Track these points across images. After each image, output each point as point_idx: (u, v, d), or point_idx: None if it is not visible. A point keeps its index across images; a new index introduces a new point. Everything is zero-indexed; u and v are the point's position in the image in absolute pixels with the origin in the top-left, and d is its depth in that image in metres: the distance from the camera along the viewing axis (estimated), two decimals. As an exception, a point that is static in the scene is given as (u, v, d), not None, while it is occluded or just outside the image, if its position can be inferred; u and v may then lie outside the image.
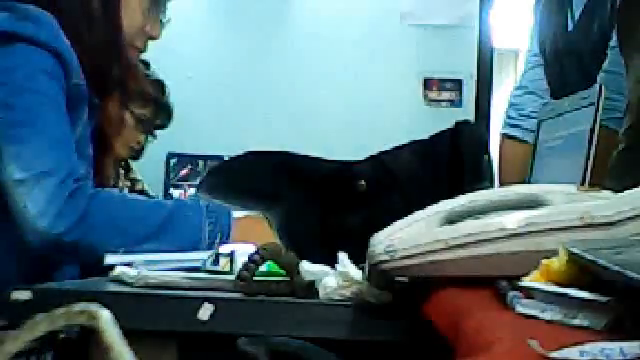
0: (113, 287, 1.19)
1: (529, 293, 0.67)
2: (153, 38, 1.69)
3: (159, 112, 2.95)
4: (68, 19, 1.53)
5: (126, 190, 2.91)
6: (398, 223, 0.93)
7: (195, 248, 1.46)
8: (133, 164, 3.11)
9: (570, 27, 2.38)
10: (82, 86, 1.52)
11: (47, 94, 1.45)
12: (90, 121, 1.57)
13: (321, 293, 1.05)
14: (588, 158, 1.02)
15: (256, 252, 1.09)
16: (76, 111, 1.51)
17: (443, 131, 1.29)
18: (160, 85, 2.96)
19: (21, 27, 1.47)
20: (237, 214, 1.54)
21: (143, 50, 1.70)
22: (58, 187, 1.40)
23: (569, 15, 2.41)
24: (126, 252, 1.37)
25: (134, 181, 3.06)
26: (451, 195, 0.95)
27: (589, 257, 0.61)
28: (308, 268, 1.08)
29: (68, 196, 1.39)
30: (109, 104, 1.64)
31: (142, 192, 3.02)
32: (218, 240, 1.49)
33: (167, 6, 1.72)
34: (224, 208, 1.49)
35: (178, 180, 4.07)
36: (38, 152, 1.41)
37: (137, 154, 2.99)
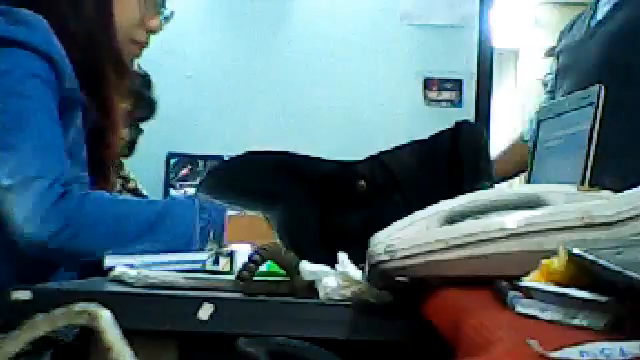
0: (113, 287, 1.19)
1: (529, 293, 0.67)
2: (154, 31, 1.68)
3: (139, 105, 2.91)
4: (57, 13, 1.52)
5: (119, 187, 2.89)
6: (398, 223, 0.93)
7: (187, 245, 1.46)
8: (126, 162, 3.09)
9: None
10: (75, 90, 1.51)
11: (38, 99, 1.45)
12: (84, 126, 1.56)
13: (321, 293, 1.05)
14: (588, 158, 1.02)
15: (256, 252, 1.10)
16: (69, 116, 1.50)
17: (443, 131, 1.29)
18: (144, 79, 2.94)
19: (14, 31, 1.47)
20: (231, 212, 1.54)
21: (146, 44, 1.69)
22: (45, 192, 1.39)
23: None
24: (120, 253, 1.37)
25: (126, 179, 3.04)
26: (451, 195, 0.95)
27: (589, 257, 0.61)
28: (308, 268, 1.08)
29: (55, 201, 1.39)
30: (112, 99, 1.63)
31: (135, 190, 3.00)
32: (211, 238, 1.49)
33: None
34: (218, 206, 1.49)
35: (178, 180, 4.07)
36: (26, 158, 1.41)
37: (128, 150, 2.96)
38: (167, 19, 1.71)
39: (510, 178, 2.79)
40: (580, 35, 2.52)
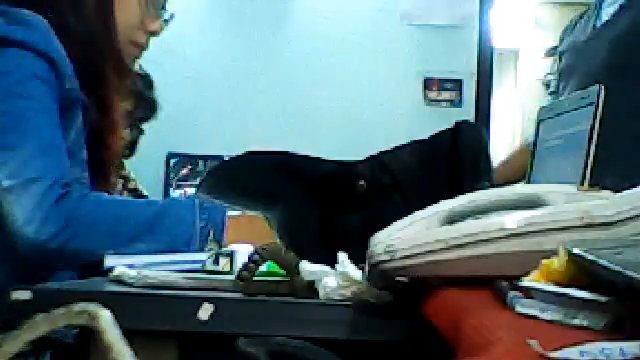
0: (113, 287, 1.19)
1: (529, 293, 0.67)
2: (154, 34, 1.68)
3: (139, 105, 2.91)
4: (57, 12, 1.52)
5: (119, 186, 2.89)
6: (398, 223, 0.93)
7: (187, 245, 1.46)
8: (126, 162, 3.09)
9: None
10: (75, 90, 1.51)
11: (38, 99, 1.45)
12: (85, 126, 1.56)
13: (321, 293, 1.05)
14: (588, 158, 1.02)
15: (256, 252, 1.09)
16: (69, 116, 1.50)
17: (443, 131, 1.29)
18: (146, 80, 2.94)
19: (13, 31, 1.47)
20: (231, 212, 1.54)
21: (145, 47, 1.69)
22: (45, 193, 1.39)
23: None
24: (120, 253, 1.37)
25: (126, 179, 3.04)
26: (451, 195, 0.95)
27: (590, 257, 0.61)
28: (308, 268, 1.08)
29: (55, 202, 1.39)
30: (112, 99, 1.63)
31: (135, 190, 3.00)
32: (211, 238, 1.49)
33: (167, 1, 1.71)
34: (218, 206, 1.49)
35: (178, 180, 4.07)
36: (26, 159, 1.41)
37: (129, 151, 2.97)
38: (167, 22, 1.71)
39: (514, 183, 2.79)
40: (585, 36, 2.51)
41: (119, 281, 1.21)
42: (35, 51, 1.46)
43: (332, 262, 1.06)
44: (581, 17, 2.63)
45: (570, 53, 2.57)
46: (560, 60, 2.63)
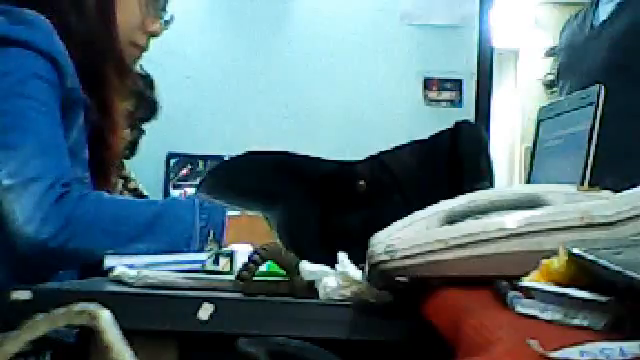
0: (113, 287, 1.19)
1: (529, 293, 0.67)
2: (154, 35, 1.68)
3: (140, 106, 2.91)
4: (58, 12, 1.53)
5: (119, 186, 2.89)
6: (398, 223, 0.93)
7: (187, 245, 1.46)
8: (126, 162, 3.09)
9: None
10: (77, 90, 1.51)
11: (39, 99, 1.45)
12: (86, 125, 1.56)
13: (321, 293, 1.05)
14: (588, 158, 1.02)
15: (256, 252, 1.09)
16: (71, 115, 1.50)
17: (443, 131, 1.29)
18: (147, 80, 2.94)
19: (15, 31, 1.47)
20: (231, 212, 1.54)
21: (145, 48, 1.69)
22: (45, 192, 1.39)
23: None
24: (120, 253, 1.37)
25: (127, 179, 3.04)
26: (451, 195, 0.95)
27: (589, 257, 0.61)
28: (308, 268, 1.08)
29: (54, 201, 1.39)
30: (112, 99, 1.63)
31: (135, 190, 3.01)
32: (211, 238, 1.49)
33: (167, 2, 1.72)
34: (218, 206, 1.49)
35: (178, 180, 4.07)
36: (27, 158, 1.41)
37: (130, 151, 2.97)
38: (167, 23, 1.71)
39: None
40: (582, 34, 2.51)
41: (119, 281, 1.22)
42: (37, 51, 1.46)
43: (332, 262, 1.06)
44: (576, 15, 2.63)
45: (567, 52, 2.57)
46: (558, 59, 2.64)
